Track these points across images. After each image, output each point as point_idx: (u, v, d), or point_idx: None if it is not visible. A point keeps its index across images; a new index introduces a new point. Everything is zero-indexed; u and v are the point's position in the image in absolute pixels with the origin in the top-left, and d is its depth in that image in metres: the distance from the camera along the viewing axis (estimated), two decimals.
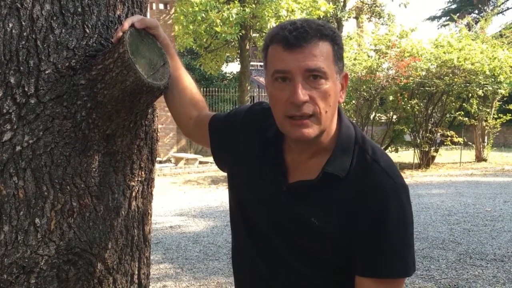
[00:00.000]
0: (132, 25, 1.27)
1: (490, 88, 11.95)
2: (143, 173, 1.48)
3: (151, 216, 1.56)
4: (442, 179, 10.96)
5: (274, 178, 1.22)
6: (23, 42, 1.20)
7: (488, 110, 13.12)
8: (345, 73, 1.17)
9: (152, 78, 1.26)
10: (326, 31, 1.10)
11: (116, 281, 1.40)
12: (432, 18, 30.43)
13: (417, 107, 11.86)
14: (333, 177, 1.14)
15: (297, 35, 1.08)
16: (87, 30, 1.29)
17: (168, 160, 14.75)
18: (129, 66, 1.21)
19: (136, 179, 1.45)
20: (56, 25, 1.24)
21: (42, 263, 1.24)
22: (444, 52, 11.65)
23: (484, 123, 13.54)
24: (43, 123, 1.22)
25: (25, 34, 1.20)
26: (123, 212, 1.41)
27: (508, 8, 28.23)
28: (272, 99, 1.15)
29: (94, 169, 1.31)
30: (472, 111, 12.49)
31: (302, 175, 1.19)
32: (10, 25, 1.19)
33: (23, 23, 1.20)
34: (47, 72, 1.22)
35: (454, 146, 13.34)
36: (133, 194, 1.44)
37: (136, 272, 1.49)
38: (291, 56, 1.08)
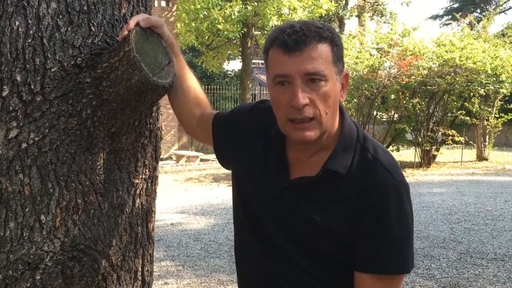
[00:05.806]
0: (137, 23, 1.28)
1: (492, 88, 11.94)
2: (147, 170, 1.48)
3: (154, 214, 1.57)
4: (443, 178, 10.95)
5: (277, 174, 1.23)
6: (29, 40, 1.21)
7: (489, 109, 13.09)
8: (346, 73, 1.18)
9: (157, 77, 1.27)
10: (324, 33, 1.11)
11: (120, 278, 1.41)
12: (434, 17, 30.40)
13: (418, 106, 11.84)
14: (334, 174, 1.16)
15: (296, 39, 1.09)
16: (93, 29, 1.30)
17: (169, 158, 14.76)
18: (134, 65, 1.22)
19: (140, 176, 1.46)
20: (62, 23, 1.25)
21: (47, 260, 1.25)
22: (446, 51, 11.63)
23: (485, 123, 13.52)
24: (48, 120, 1.23)
25: (31, 32, 1.21)
26: (127, 210, 1.42)
27: (510, 8, 28.13)
28: (274, 102, 1.17)
29: (99, 167, 1.32)
30: (474, 110, 12.47)
31: (303, 172, 1.20)
32: (17, 23, 1.20)
33: (29, 21, 1.21)
34: (53, 70, 1.23)
35: (455, 145, 13.33)
36: (137, 191, 1.45)
37: (140, 269, 1.50)
38: (291, 60, 1.10)
